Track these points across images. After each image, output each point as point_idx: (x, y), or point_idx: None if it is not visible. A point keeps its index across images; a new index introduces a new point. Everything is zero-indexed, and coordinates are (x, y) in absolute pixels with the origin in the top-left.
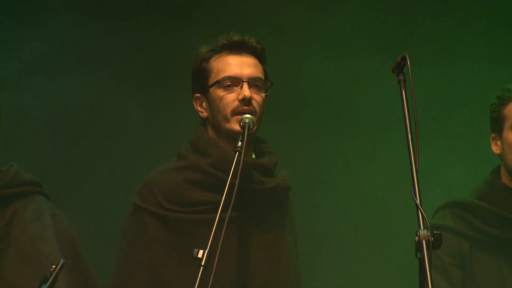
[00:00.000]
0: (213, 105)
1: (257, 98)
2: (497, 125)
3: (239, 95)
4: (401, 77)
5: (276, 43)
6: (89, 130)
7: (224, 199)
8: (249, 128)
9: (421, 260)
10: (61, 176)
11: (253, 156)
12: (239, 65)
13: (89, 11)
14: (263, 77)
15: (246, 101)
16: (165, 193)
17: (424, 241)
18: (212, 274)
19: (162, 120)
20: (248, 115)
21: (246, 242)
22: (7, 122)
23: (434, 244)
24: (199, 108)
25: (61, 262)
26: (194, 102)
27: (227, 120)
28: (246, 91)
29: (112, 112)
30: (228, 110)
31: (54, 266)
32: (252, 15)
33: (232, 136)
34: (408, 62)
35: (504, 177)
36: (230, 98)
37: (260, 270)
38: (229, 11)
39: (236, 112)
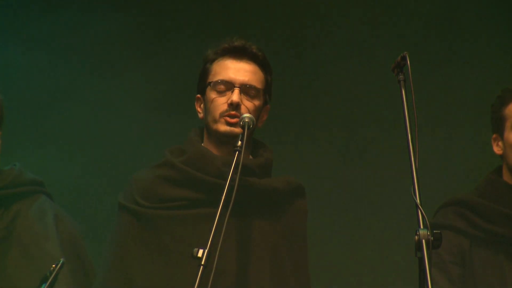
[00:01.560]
0: (207, 106)
1: (248, 105)
2: (498, 126)
3: (228, 99)
4: (401, 76)
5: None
6: (94, 131)
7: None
8: (248, 127)
9: (421, 260)
10: (63, 176)
11: (250, 157)
12: (235, 70)
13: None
14: (258, 86)
15: (234, 106)
16: (141, 190)
17: (423, 241)
18: (212, 274)
19: (168, 123)
20: (247, 114)
21: (230, 238)
22: (10, 121)
23: (434, 244)
24: (198, 109)
25: (61, 261)
26: (195, 103)
27: (215, 121)
28: (235, 96)
29: (117, 114)
30: (217, 113)
31: (54, 266)
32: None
33: (218, 137)
34: (408, 62)
35: (506, 176)
36: (221, 101)
37: (231, 268)
38: (237, 12)
39: (224, 116)
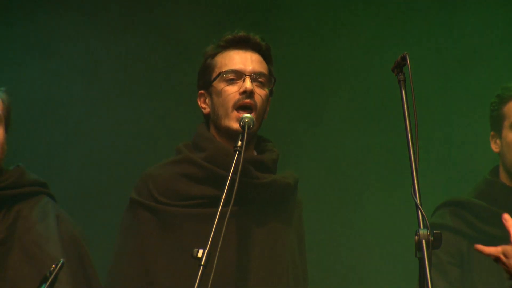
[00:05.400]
0: (215, 99)
1: (260, 92)
2: (496, 124)
3: (240, 88)
4: (401, 76)
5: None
6: (93, 130)
7: (221, 196)
8: (248, 128)
9: (421, 260)
10: (63, 175)
11: (255, 153)
12: (243, 59)
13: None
14: (266, 73)
15: (247, 94)
16: (159, 186)
17: (424, 241)
18: (212, 273)
19: (170, 119)
20: (248, 115)
21: (242, 237)
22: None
23: (434, 244)
24: (202, 105)
25: (61, 261)
26: (198, 99)
27: (227, 116)
28: (247, 83)
29: (117, 110)
30: (230, 104)
31: (54, 266)
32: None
33: (230, 134)
34: (408, 62)
35: (503, 176)
36: (232, 91)
37: (254, 266)
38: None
39: (237, 106)
